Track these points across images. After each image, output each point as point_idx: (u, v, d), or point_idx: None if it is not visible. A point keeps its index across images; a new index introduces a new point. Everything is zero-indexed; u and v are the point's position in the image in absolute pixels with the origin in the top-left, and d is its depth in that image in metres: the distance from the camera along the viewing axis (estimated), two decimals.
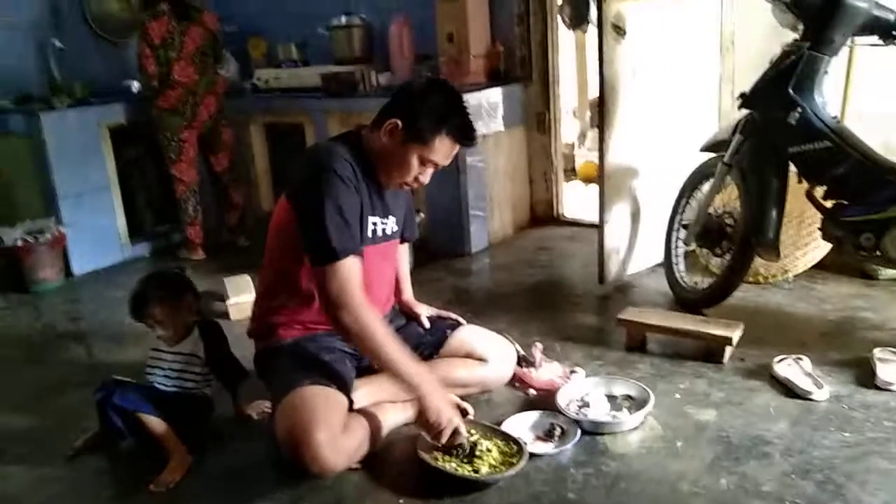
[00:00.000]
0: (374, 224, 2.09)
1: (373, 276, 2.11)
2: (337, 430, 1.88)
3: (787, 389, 2.25)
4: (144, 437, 2.09)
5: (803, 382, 2.24)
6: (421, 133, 1.95)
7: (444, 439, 1.90)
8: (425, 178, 2.05)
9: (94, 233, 4.05)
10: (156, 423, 2.07)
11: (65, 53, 4.25)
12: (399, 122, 1.96)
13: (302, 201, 1.98)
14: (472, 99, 3.71)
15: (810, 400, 2.18)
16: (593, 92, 5.46)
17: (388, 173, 2.05)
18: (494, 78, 4.02)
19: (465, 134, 2.01)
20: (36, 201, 3.95)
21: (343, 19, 4.28)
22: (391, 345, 1.91)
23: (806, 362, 2.35)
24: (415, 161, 1.99)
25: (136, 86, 4.39)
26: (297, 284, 2.08)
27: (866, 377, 2.28)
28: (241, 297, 3.17)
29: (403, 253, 2.42)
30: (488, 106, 3.85)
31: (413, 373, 1.91)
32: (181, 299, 2.20)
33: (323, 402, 1.90)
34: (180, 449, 2.07)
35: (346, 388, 2.00)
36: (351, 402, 2.01)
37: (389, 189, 2.12)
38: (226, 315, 3.13)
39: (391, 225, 2.16)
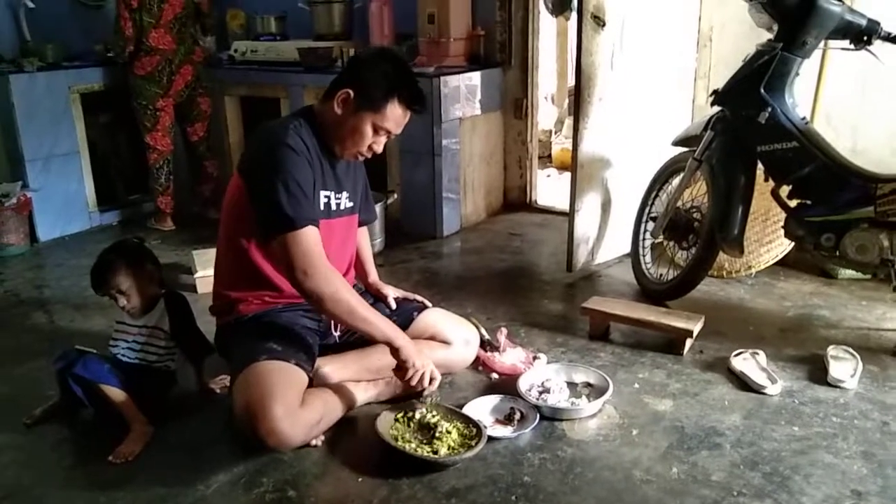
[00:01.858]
0: (327, 198, 2.11)
1: (331, 250, 2.12)
2: (294, 404, 1.89)
3: (743, 383, 2.31)
4: (105, 407, 2.09)
5: (758, 377, 2.30)
6: (372, 100, 1.99)
7: (425, 383, 2.01)
8: (379, 147, 2.09)
9: (62, 199, 4.00)
10: (116, 393, 2.06)
11: (37, 15, 4.15)
12: (350, 92, 1.99)
13: (255, 175, 1.99)
14: (450, 81, 3.71)
15: (764, 394, 2.24)
16: (573, 79, 5.47)
17: (342, 143, 2.07)
18: (474, 61, 4.02)
19: (415, 99, 2.05)
20: (2, 165, 3.88)
21: None
22: (362, 305, 1.97)
23: (762, 357, 2.41)
24: (368, 129, 2.02)
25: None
26: (250, 260, 2.09)
27: (819, 374, 2.35)
28: (208, 270, 3.13)
29: (364, 236, 2.44)
30: (466, 89, 3.85)
31: (386, 328, 1.98)
32: (142, 268, 2.19)
33: (280, 376, 1.91)
34: (140, 420, 2.06)
35: (305, 364, 2.02)
36: (311, 378, 2.03)
37: (344, 159, 2.14)
38: (193, 288, 3.11)
39: (344, 200, 2.18)
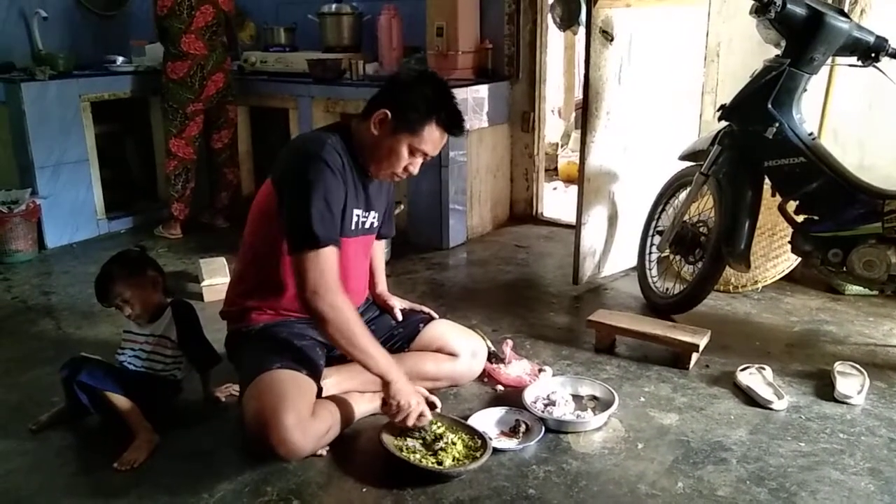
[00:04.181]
0: (357, 216, 2.11)
1: (351, 267, 2.13)
2: (305, 413, 1.90)
3: (749, 398, 2.30)
4: (110, 415, 2.09)
5: (764, 392, 2.29)
6: (411, 122, 1.97)
7: (410, 422, 1.95)
8: (415, 168, 2.07)
9: (70, 206, 4.02)
10: (122, 401, 2.07)
11: (50, 24, 4.21)
12: (388, 113, 1.98)
13: (289, 188, 1.97)
14: (458, 94, 3.68)
15: (770, 409, 2.23)
16: (580, 93, 5.49)
17: (377, 164, 2.06)
18: (482, 74, 4.04)
19: (454, 123, 2.03)
20: (12, 171, 3.90)
21: (333, 6, 4.28)
22: (364, 336, 1.93)
23: (768, 372, 2.41)
24: (405, 151, 2.01)
25: (120, 60, 4.36)
26: (272, 270, 2.09)
27: (826, 389, 2.34)
28: (215, 279, 3.16)
29: (378, 248, 2.44)
30: (474, 102, 3.86)
31: (382, 363, 1.94)
32: (143, 276, 2.20)
33: (292, 385, 1.92)
34: (146, 428, 2.06)
35: (315, 375, 2.02)
36: (320, 388, 2.03)
37: (379, 179, 2.14)
38: (199, 297, 3.12)
39: (371, 219, 2.18)
